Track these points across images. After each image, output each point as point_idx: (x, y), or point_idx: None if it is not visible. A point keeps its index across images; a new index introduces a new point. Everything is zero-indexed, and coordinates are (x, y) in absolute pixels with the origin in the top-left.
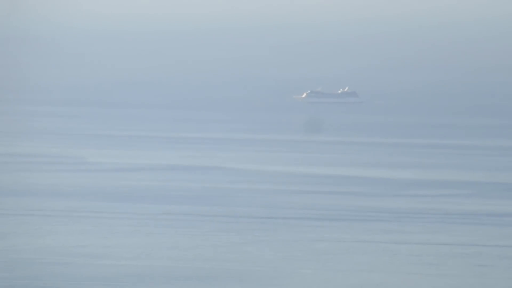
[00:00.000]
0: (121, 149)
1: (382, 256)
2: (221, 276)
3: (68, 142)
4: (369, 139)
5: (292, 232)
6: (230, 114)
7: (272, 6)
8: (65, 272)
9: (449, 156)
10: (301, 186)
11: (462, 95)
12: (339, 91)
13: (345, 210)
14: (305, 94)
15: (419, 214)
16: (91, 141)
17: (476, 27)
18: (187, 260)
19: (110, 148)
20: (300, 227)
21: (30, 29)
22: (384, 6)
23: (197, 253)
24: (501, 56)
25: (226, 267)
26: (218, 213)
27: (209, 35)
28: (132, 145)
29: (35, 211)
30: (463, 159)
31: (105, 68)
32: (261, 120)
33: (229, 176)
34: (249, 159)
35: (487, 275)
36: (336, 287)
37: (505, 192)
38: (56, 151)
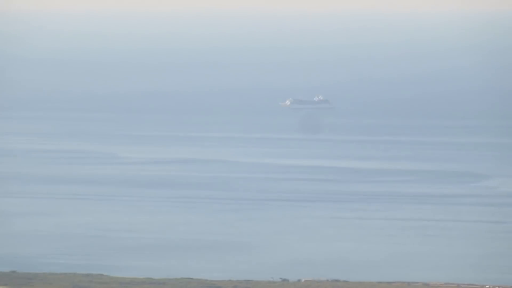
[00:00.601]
0: (143, 146)
1: (350, 229)
2: (223, 246)
3: (101, 141)
4: (339, 137)
5: (279, 211)
6: (227, 118)
7: (259, 30)
8: (101, 243)
9: (403, 150)
10: (287, 175)
11: (418, 102)
12: (315, 99)
13: (321, 193)
14: (288, 102)
15: (380, 196)
16: (120, 140)
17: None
18: (197, 234)
19: (134, 145)
20: (286, 207)
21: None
22: (352, 33)
23: (204, 228)
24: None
25: (227, 239)
26: (221, 196)
27: (212, 56)
28: (152, 143)
29: (79, 195)
30: (414, 152)
31: (119, 78)
32: (255, 122)
33: (229, 167)
34: (246, 153)
35: (432, 242)
36: (314, 253)
37: (446, 178)
38: (93, 148)
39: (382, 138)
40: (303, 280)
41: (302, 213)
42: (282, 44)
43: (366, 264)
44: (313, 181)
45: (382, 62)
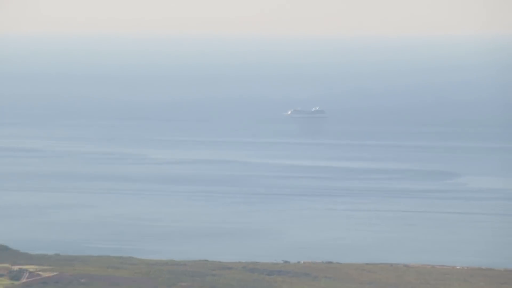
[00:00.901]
0: (169, 149)
1: (342, 219)
2: (235, 233)
3: (134, 145)
4: (333, 141)
5: (283, 204)
6: (239, 125)
7: (266, 49)
8: (132, 230)
9: (387, 152)
10: (289, 173)
11: (401, 112)
12: (313, 109)
13: (318, 189)
14: (290, 112)
15: (367, 191)
16: (149, 144)
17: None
18: (212, 222)
19: (162, 148)
20: (288, 200)
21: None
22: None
23: (219, 218)
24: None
25: (238, 227)
26: (233, 191)
27: (226, 71)
28: (176, 147)
29: (114, 190)
30: (397, 154)
31: (149, 91)
32: (262, 129)
33: (240, 167)
34: (254, 155)
35: (411, 230)
36: (312, 239)
37: (424, 176)
38: (127, 151)
39: (370, 142)
40: (302, 262)
41: (302, 205)
42: (285, 61)
43: (355, 248)
44: (311, 179)
45: (370, 77)
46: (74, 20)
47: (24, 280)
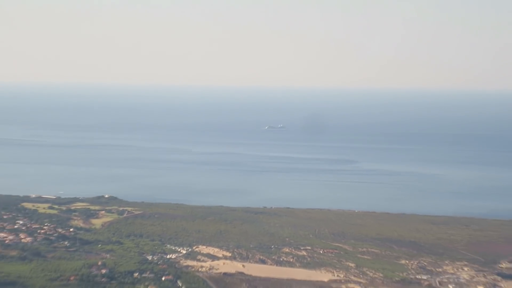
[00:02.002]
0: (202, 146)
1: (299, 185)
2: (239, 191)
3: (183, 144)
4: (290, 143)
5: (265, 176)
6: (238, 134)
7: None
8: (183, 190)
9: (318, 148)
10: (266, 160)
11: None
12: (279, 126)
13: (281, 168)
14: (266, 127)
15: (306, 170)
16: (192, 144)
17: None
18: (225, 185)
19: (198, 146)
20: (265, 174)
21: None
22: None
23: (230, 183)
24: None
25: (241, 188)
26: (236, 169)
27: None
28: (206, 145)
29: (173, 168)
30: (324, 150)
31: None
32: (252, 136)
33: (241, 156)
34: (248, 150)
35: (331, 190)
36: (278, 195)
37: (337, 162)
38: (180, 147)
39: (309, 144)
40: (273, 207)
41: (273, 177)
42: (264, 101)
43: (301, 200)
44: (278, 163)
45: (307, 110)
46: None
47: (125, 215)
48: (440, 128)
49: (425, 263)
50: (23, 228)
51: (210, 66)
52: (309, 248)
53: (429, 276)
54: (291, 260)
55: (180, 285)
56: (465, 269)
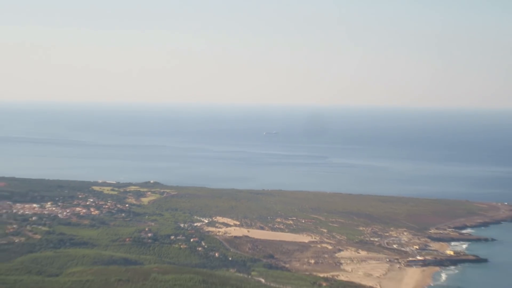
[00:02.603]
0: (218, 146)
1: (284, 173)
2: (243, 179)
3: (205, 144)
4: (282, 144)
5: (262, 168)
6: (244, 138)
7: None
8: (205, 177)
9: (302, 149)
10: (264, 156)
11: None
12: (274, 132)
13: (275, 162)
14: (265, 133)
15: (292, 163)
16: (212, 144)
17: None
18: (235, 174)
19: (215, 145)
20: (264, 166)
21: None
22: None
23: (237, 172)
24: None
25: (245, 176)
26: (243, 163)
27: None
28: (220, 144)
29: (199, 163)
30: (306, 149)
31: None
32: (254, 139)
33: (245, 153)
34: (253, 149)
35: (310, 178)
36: (273, 181)
37: (314, 158)
38: (203, 147)
39: (295, 145)
40: (269, 189)
41: (269, 168)
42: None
43: (289, 184)
44: (272, 158)
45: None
46: None
47: (164, 195)
48: (386, 134)
49: (376, 229)
50: (93, 204)
51: (206, 87)
52: (295, 218)
53: (379, 238)
54: (282, 227)
55: (204, 244)
56: (405, 233)
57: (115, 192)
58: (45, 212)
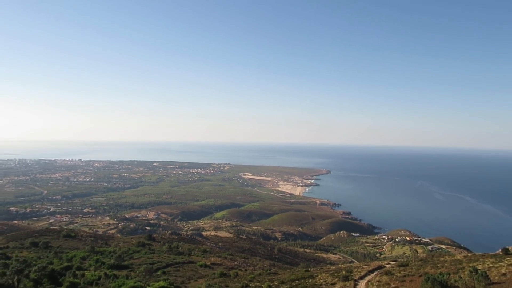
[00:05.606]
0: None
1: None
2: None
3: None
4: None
5: (262, 160)
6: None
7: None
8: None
9: (294, 162)
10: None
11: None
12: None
13: (272, 160)
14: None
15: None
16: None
17: None
18: (247, 162)
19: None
20: (263, 159)
21: None
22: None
23: (249, 161)
24: None
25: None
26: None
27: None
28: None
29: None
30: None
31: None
32: (255, 151)
33: (252, 153)
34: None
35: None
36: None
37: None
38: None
39: (289, 159)
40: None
41: (266, 161)
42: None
43: None
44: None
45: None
46: None
47: None
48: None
49: None
50: None
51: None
52: None
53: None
54: None
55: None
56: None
57: None
58: None
